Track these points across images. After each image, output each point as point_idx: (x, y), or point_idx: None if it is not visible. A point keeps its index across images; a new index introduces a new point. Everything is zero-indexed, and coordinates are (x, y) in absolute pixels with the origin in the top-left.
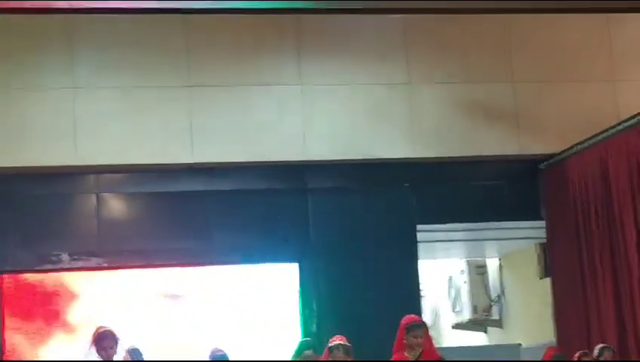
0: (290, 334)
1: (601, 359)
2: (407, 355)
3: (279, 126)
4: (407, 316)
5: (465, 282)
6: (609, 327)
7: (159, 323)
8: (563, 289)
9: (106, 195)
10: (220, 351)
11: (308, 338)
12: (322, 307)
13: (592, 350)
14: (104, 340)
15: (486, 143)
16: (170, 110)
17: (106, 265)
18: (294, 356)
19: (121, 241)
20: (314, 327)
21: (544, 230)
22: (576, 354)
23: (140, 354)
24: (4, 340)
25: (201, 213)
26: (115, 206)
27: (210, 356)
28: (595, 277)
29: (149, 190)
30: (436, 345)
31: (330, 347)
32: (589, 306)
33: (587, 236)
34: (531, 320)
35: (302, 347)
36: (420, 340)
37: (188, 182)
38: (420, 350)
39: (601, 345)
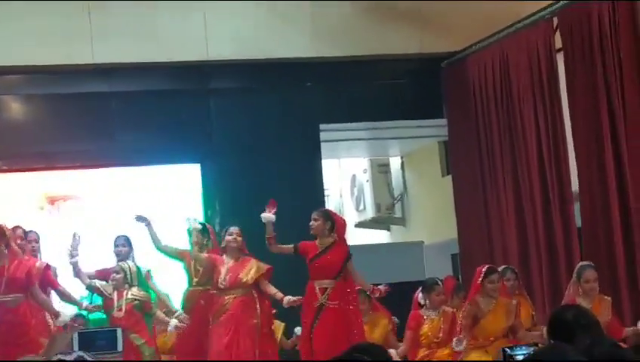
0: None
1: (503, 279)
2: (317, 243)
3: (181, 25)
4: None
5: (368, 181)
6: (509, 222)
7: (60, 224)
8: (464, 186)
9: (4, 97)
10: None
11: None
12: (225, 207)
13: (492, 249)
14: None
15: (389, 42)
16: (68, 7)
17: (5, 167)
18: (188, 235)
19: (21, 143)
20: (217, 228)
21: (446, 128)
22: (482, 270)
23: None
24: None
25: (102, 114)
26: (14, 108)
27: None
28: (496, 174)
29: (48, 91)
30: None
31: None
32: (489, 202)
33: (487, 133)
34: (434, 217)
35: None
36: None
37: (89, 83)
38: (333, 239)
39: (503, 266)
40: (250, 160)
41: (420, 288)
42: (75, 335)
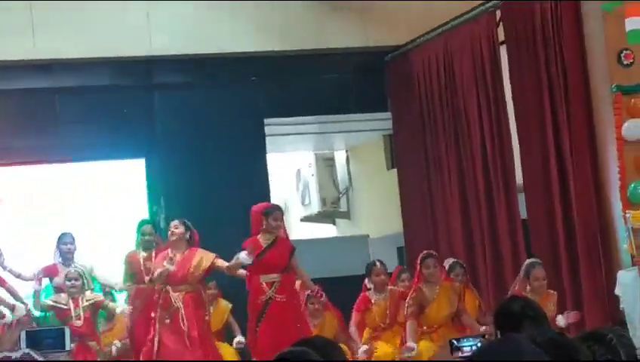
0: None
1: (451, 274)
2: (260, 240)
3: (124, 20)
4: (259, 204)
5: (313, 175)
6: (454, 214)
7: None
8: (409, 179)
9: None
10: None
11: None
12: (170, 203)
13: (437, 241)
14: None
15: (333, 36)
16: (9, 2)
17: None
18: (137, 234)
19: None
20: (162, 223)
21: (391, 121)
22: (420, 256)
23: None
24: None
25: (45, 110)
26: None
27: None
28: (441, 167)
29: None
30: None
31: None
32: (434, 195)
33: (432, 127)
34: (379, 211)
35: (141, 224)
36: (279, 223)
37: (30, 79)
38: (275, 235)
39: (452, 260)
40: (195, 154)
41: None
42: (23, 334)
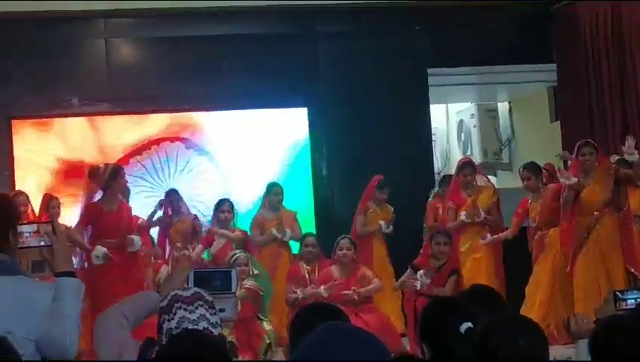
0: (301, 179)
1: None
2: (431, 263)
3: None
4: None
5: (475, 126)
6: None
7: (178, 167)
8: (572, 132)
9: (115, 40)
10: None
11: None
12: (332, 151)
13: None
14: None
15: None
16: None
17: (118, 110)
18: (299, 244)
19: (131, 86)
20: (324, 171)
21: (555, 73)
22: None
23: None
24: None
25: (211, 57)
26: (125, 51)
27: None
28: (605, 121)
29: (158, 35)
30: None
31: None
32: (598, 149)
33: (598, 80)
34: (542, 163)
35: (305, 235)
36: (442, 248)
37: (199, 27)
38: (445, 260)
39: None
40: (357, 104)
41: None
42: (191, 274)
